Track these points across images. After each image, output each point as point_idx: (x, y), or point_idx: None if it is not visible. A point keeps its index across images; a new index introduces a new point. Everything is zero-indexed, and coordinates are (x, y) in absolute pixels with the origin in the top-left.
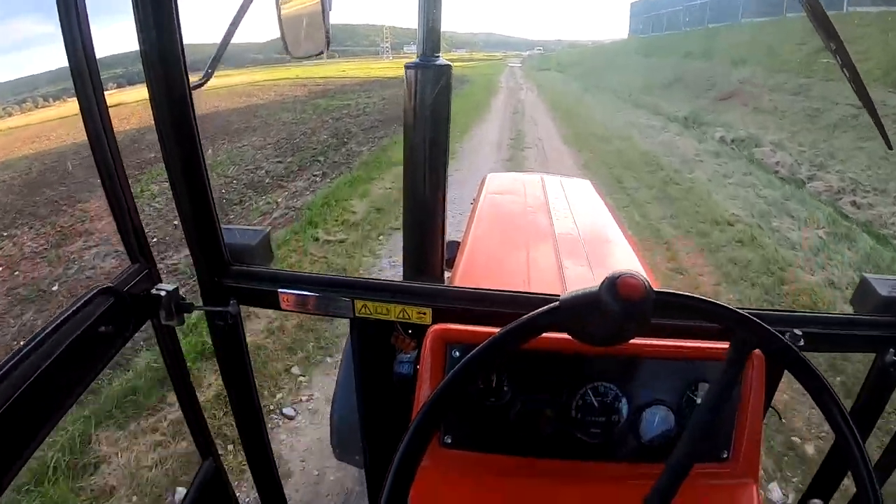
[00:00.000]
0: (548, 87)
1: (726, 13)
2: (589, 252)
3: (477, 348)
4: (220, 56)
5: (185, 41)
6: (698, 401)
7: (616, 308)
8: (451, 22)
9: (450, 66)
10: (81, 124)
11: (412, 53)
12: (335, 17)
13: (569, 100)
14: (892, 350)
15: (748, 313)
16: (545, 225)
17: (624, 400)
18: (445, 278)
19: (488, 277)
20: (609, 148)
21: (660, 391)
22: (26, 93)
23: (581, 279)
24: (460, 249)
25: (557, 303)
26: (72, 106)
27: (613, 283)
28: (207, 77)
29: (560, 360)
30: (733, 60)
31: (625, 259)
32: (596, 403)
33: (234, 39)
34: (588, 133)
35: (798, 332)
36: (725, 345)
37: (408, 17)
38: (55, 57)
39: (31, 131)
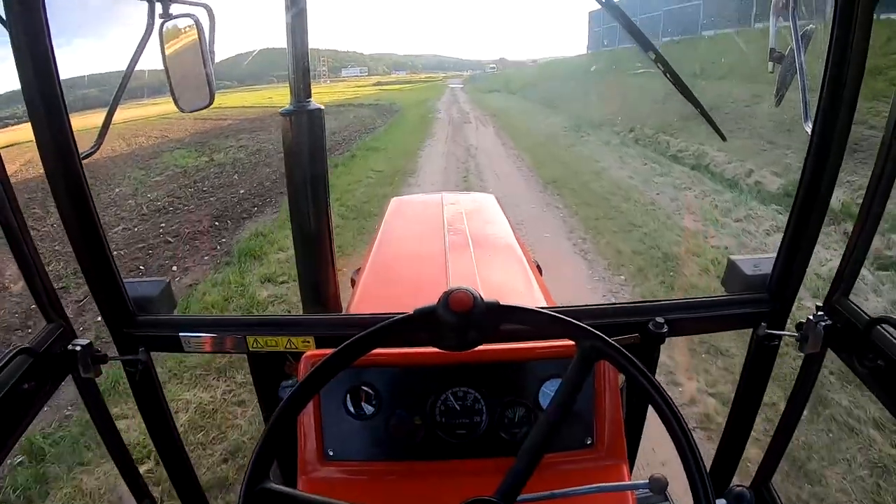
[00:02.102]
0: (508, 121)
1: (728, 17)
2: (480, 270)
3: (335, 350)
4: (108, 125)
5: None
6: (550, 395)
7: (452, 319)
8: (391, 44)
9: (321, 108)
10: None
11: (351, 77)
12: (273, 42)
13: (557, 145)
14: (763, 324)
15: (600, 309)
16: (439, 246)
17: (483, 402)
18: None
19: (378, 303)
20: None
21: (515, 390)
22: None
23: None
24: (357, 277)
25: (408, 314)
26: None
27: (447, 298)
28: (97, 146)
29: (420, 373)
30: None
31: (514, 273)
32: (458, 407)
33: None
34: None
35: (660, 319)
36: (569, 342)
37: (348, 41)
38: None
39: None
